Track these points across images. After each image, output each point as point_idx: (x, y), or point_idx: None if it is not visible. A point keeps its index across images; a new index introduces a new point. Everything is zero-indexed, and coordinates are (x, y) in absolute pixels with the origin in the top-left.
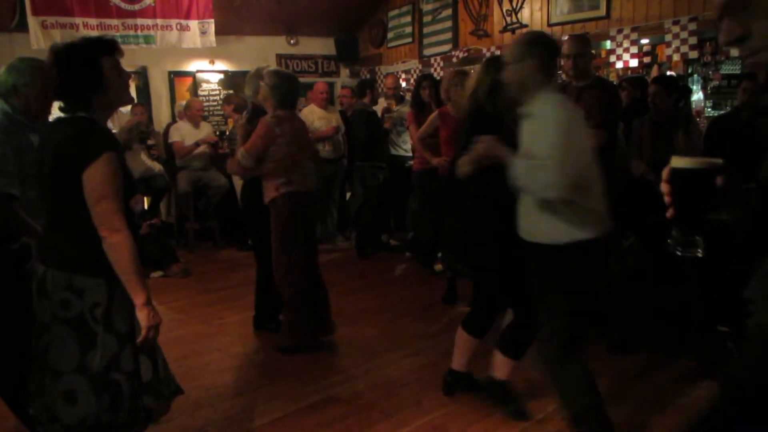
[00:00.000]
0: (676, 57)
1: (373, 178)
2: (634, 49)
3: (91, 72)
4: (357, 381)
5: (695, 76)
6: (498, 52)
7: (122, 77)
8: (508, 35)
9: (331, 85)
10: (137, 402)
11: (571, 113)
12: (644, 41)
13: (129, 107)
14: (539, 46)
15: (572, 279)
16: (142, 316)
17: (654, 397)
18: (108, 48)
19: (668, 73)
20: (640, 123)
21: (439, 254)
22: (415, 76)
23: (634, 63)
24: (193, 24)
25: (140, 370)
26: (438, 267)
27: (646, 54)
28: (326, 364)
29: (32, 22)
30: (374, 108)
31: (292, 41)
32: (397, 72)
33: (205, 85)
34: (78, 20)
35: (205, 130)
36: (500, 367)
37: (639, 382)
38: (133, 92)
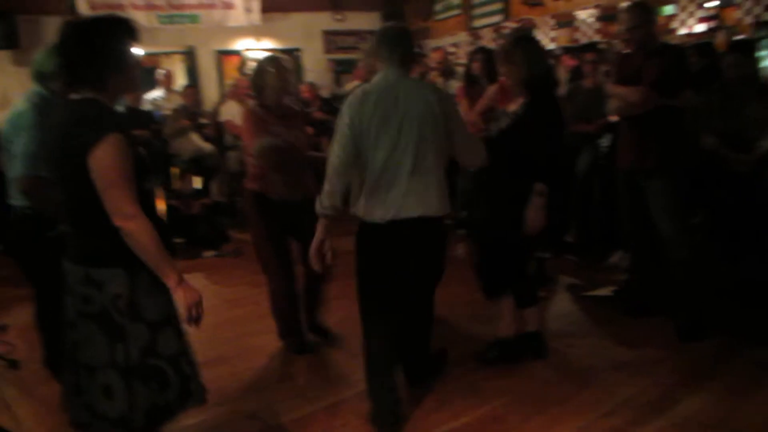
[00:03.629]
0: (747, 20)
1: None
2: (700, 14)
3: (115, 52)
4: None
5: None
6: (553, 22)
7: (137, 63)
8: (562, 3)
9: None
10: (187, 382)
11: None
12: (710, 4)
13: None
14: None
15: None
16: (177, 298)
17: (733, 386)
18: (131, 30)
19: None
20: (708, 93)
21: None
22: (463, 49)
23: (700, 28)
24: (238, 2)
25: (186, 351)
26: None
27: (712, 18)
28: None
29: (81, 3)
30: None
31: (337, 17)
32: (445, 45)
33: (252, 64)
34: (125, 1)
35: None
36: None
37: (715, 371)
38: (181, 72)
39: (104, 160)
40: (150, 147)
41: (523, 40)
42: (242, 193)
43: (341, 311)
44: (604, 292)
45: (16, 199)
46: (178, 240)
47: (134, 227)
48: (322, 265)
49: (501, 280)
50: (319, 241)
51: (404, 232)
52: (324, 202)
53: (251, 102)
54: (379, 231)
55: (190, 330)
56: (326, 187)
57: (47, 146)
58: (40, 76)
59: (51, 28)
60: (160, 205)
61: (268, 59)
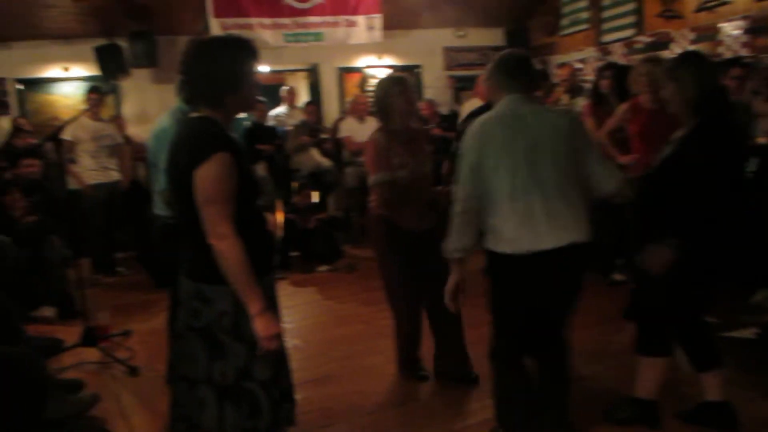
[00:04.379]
0: None
1: None
2: None
3: (230, 71)
4: None
5: None
6: (692, 35)
7: (256, 83)
8: (704, 15)
9: None
10: (278, 410)
11: None
12: None
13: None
14: None
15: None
16: (257, 327)
17: None
18: (250, 51)
19: None
20: None
21: (620, 262)
22: (591, 65)
23: None
24: (360, 20)
25: (278, 378)
26: (618, 277)
27: None
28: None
29: (213, 24)
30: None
31: (460, 33)
32: (571, 61)
33: (373, 81)
34: (253, 20)
35: (371, 126)
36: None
37: None
38: (304, 89)
39: (207, 178)
40: (272, 161)
41: (692, 55)
42: (368, 215)
43: None
44: (746, 334)
45: (161, 209)
46: (293, 253)
47: (225, 247)
48: (457, 305)
49: (662, 333)
50: (454, 282)
51: (544, 264)
52: (454, 244)
53: (376, 129)
54: (515, 263)
55: (299, 344)
56: (454, 228)
57: (167, 161)
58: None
59: None
60: (279, 218)
61: (392, 81)
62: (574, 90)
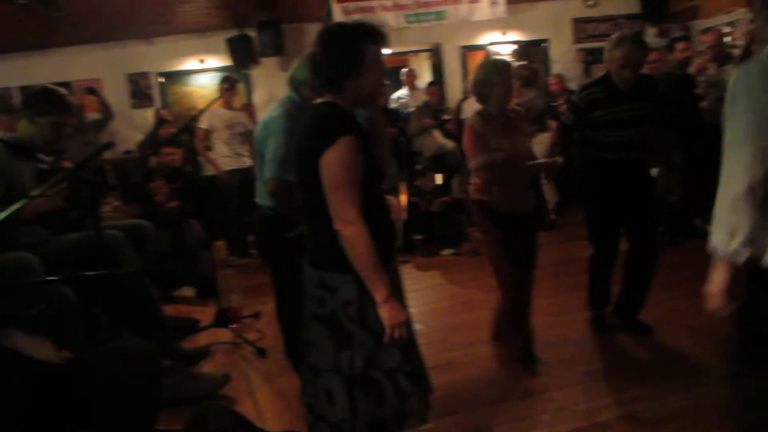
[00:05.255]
0: None
1: (677, 152)
2: None
3: (352, 56)
4: (663, 400)
5: None
6: None
7: (380, 69)
8: None
9: None
10: (405, 399)
11: None
12: None
13: (425, 86)
14: None
15: None
16: (383, 314)
17: None
18: (375, 36)
19: None
20: None
21: None
22: (741, 29)
23: None
24: None
25: (406, 367)
26: None
27: None
28: (630, 372)
29: (336, 9)
30: (688, 71)
31: (589, 2)
32: (718, 26)
33: (498, 58)
34: (375, 3)
35: None
36: None
37: None
38: (427, 70)
39: (332, 162)
40: (395, 144)
41: None
42: (470, 202)
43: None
44: None
45: (263, 199)
46: (417, 237)
47: (351, 233)
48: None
49: None
50: (725, 285)
51: None
52: (742, 236)
53: (474, 112)
54: None
55: (422, 329)
56: (734, 216)
57: (293, 150)
58: (294, 82)
59: (312, 34)
60: (403, 201)
61: (493, 68)
62: (722, 58)
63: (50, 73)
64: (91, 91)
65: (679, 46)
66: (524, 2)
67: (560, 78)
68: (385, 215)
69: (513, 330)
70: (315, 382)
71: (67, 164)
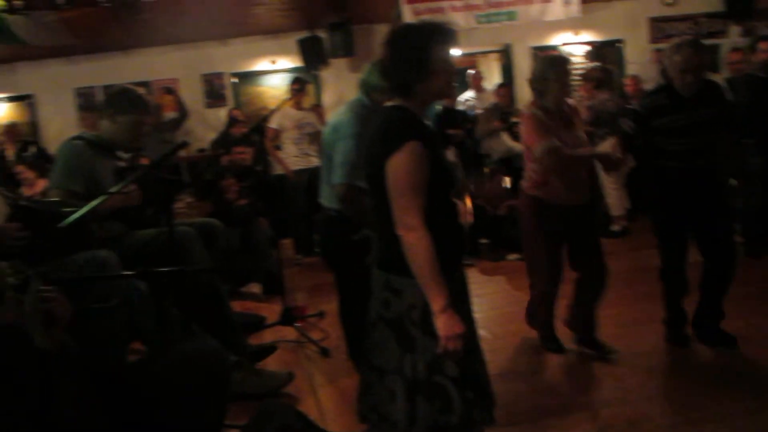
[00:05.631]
0: None
1: (756, 158)
2: None
3: (418, 58)
4: (737, 420)
5: None
6: None
7: (449, 70)
8: None
9: (715, 48)
10: (471, 408)
11: None
12: None
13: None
14: None
15: None
16: (438, 324)
17: None
18: (443, 36)
19: None
20: None
21: None
22: None
23: None
24: None
25: (472, 374)
26: None
27: None
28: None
29: (406, 9)
30: None
31: (668, 1)
32: None
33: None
34: (445, 3)
35: None
36: None
37: None
38: (496, 71)
39: (397, 167)
40: (463, 147)
41: None
42: (520, 196)
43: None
44: None
45: (328, 201)
46: (482, 240)
47: (412, 239)
48: None
49: None
50: None
51: None
52: None
53: (529, 104)
54: None
55: (486, 335)
56: None
57: (362, 154)
58: (365, 86)
59: (382, 35)
60: (468, 204)
61: (551, 63)
62: None
63: (131, 73)
64: (169, 90)
65: (763, 46)
66: (599, 1)
67: (636, 79)
68: (454, 221)
69: (541, 317)
70: (380, 383)
71: (145, 161)
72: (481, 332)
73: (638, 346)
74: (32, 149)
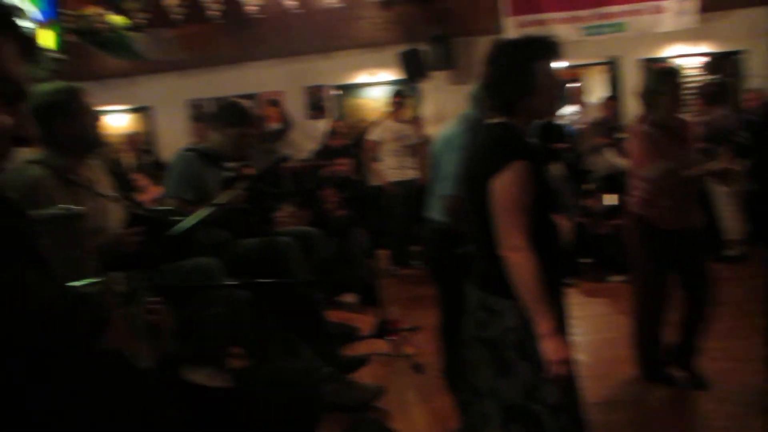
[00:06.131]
0: None
1: None
2: None
3: (521, 75)
4: None
5: None
6: None
7: (554, 85)
8: None
9: None
10: None
11: None
12: None
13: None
14: None
15: None
16: (545, 349)
17: None
18: (546, 50)
19: None
20: None
21: None
22: None
23: None
24: (670, 4)
25: (566, 403)
26: None
27: None
28: None
29: (509, 23)
30: None
31: None
32: None
33: (684, 73)
34: (549, 16)
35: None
36: None
37: None
38: (600, 84)
39: (503, 187)
40: (565, 161)
41: None
42: (626, 214)
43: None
44: None
45: (436, 214)
46: (583, 260)
47: (517, 260)
48: None
49: None
50: None
51: None
52: None
53: (638, 119)
54: None
55: (584, 360)
56: None
57: (463, 168)
58: (475, 100)
59: (483, 48)
60: (569, 223)
61: (663, 76)
62: None
63: (239, 85)
64: (274, 102)
65: None
66: (717, 10)
67: (758, 94)
68: (557, 241)
69: (645, 344)
70: (475, 404)
71: (250, 171)
72: (580, 356)
73: (751, 384)
74: (148, 158)
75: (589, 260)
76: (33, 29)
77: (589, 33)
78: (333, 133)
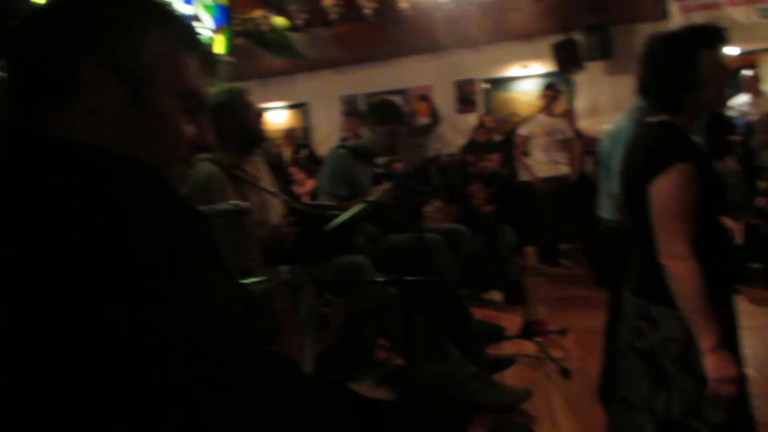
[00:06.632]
0: None
1: None
2: None
3: (683, 68)
4: None
5: None
6: None
7: (722, 75)
8: None
9: None
10: None
11: None
12: None
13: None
14: None
15: None
16: (707, 365)
17: None
18: (709, 39)
19: None
20: None
21: None
22: None
23: None
24: None
25: (740, 427)
26: None
27: None
28: None
29: (674, 7)
30: None
31: None
32: None
33: None
34: None
35: None
36: None
37: None
38: None
39: (664, 191)
40: (736, 155)
41: None
42: None
43: None
44: None
45: (607, 213)
46: (754, 265)
47: (678, 270)
48: None
49: None
50: None
51: None
52: None
53: None
54: None
55: (753, 375)
56: None
57: (622, 169)
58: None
59: (643, 36)
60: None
61: None
62: None
63: (390, 81)
64: (423, 97)
65: None
66: None
67: None
68: (725, 248)
69: None
70: (625, 416)
71: (399, 166)
72: (750, 371)
73: None
74: (304, 152)
75: (760, 265)
76: (210, 39)
77: (767, 15)
78: (480, 126)
